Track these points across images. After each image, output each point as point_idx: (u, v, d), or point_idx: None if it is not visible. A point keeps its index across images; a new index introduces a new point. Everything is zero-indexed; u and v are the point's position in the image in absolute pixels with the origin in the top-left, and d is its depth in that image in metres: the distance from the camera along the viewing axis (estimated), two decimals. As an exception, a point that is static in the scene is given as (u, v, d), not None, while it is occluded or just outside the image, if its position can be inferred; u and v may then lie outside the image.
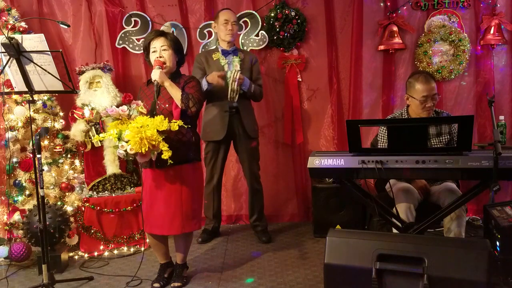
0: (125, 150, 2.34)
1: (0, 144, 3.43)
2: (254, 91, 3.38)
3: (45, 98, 3.50)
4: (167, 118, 2.44)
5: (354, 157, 2.32)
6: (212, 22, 3.80)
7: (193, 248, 3.44)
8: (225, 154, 3.53)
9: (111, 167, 3.49)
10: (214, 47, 3.62)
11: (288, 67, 3.96)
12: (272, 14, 3.84)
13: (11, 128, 3.35)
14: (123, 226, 3.49)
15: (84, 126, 3.42)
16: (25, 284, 2.94)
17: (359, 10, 3.88)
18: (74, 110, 3.49)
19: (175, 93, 2.59)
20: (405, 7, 3.90)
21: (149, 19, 3.92)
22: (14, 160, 3.36)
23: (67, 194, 3.51)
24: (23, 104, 3.38)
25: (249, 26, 3.91)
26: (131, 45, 3.91)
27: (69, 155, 3.59)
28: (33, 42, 2.45)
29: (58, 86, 2.55)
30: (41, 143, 3.00)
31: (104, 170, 3.52)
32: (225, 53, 3.42)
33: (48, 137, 3.46)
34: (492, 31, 3.83)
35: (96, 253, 3.41)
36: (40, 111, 3.46)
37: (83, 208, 3.46)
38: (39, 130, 2.69)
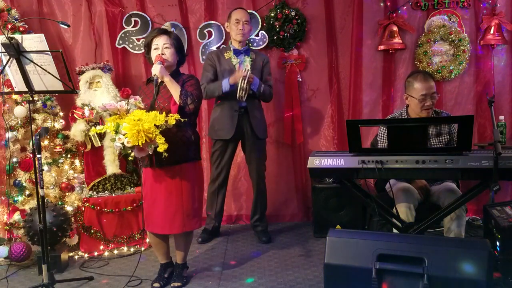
0: (122, 143, 2.34)
1: (0, 144, 3.43)
2: (263, 91, 3.37)
3: (45, 98, 3.50)
4: (164, 112, 2.44)
5: (354, 157, 2.32)
6: (212, 22, 3.82)
7: (193, 248, 3.44)
8: (232, 153, 3.53)
9: (111, 167, 3.49)
10: (215, 46, 3.62)
11: (288, 67, 3.96)
12: (272, 14, 3.84)
13: (11, 128, 3.35)
14: (123, 226, 3.49)
15: (84, 126, 3.42)
16: (25, 284, 2.94)
17: (359, 10, 3.88)
18: (74, 110, 3.49)
19: (174, 89, 2.59)
20: (405, 7, 3.90)
21: (149, 19, 3.92)
22: (14, 160, 3.36)
23: (67, 194, 3.51)
24: (23, 104, 3.37)
25: (249, 26, 3.91)
26: (131, 45, 3.91)
27: (69, 155, 3.59)
28: (33, 42, 2.45)
29: (58, 86, 2.55)
30: (41, 143, 2.99)
31: (104, 170, 3.51)
32: (237, 52, 3.43)
33: (48, 137, 3.46)
34: (492, 31, 3.83)
35: (96, 253, 3.41)
36: (40, 111, 3.46)
37: (83, 208, 3.46)
38: (39, 130, 2.68)
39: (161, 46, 2.65)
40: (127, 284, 2.86)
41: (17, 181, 3.37)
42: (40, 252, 2.63)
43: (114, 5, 3.89)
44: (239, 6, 3.78)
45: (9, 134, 3.32)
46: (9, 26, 3.32)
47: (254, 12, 3.89)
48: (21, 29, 3.44)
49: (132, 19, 3.90)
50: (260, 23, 3.90)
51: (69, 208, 3.38)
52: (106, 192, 3.54)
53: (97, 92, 3.51)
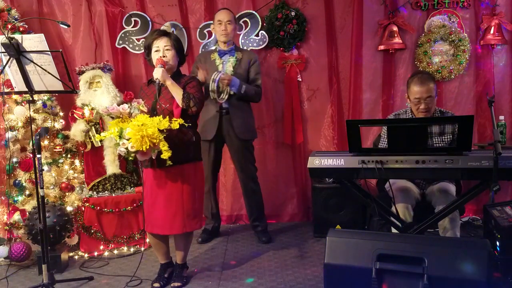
0: (126, 148, 2.35)
1: (0, 144, 3.43)
2: (246, 91, 3.33)
3: (45, 98, 3.50)
4: (167, 117, 2.45)
5: (354, 157, 2.32)
6: (212, 22, 3.81)
7: (193, 248, 3.44)
8: (216, 153, 3.51)
9: (111, 167, 3.49)
10: (214, 47, 3.63)
11: (288, 67, 3.96)
12: (272, 14, 3.84)
13: (11, 128, 3.35)
14: (123, 226, 3.49)
15: (84, 126, 3.42)
16: (25, 284, 2.94)
17: (359, 10, 3.88)
18: (74, 110, 3.49)
19: (177, 92, 2.59)
20: (405, 7, 3.89)
21: (149, 19, 3.92)
22: (14, 160, 3.36)
23: (67, 194, 3.51)
24: (23, 104, 3.37)
25: (249, 26, 3.91)
26: (131, 45, 3.91)
27: (69, 155, 3.59)
28: (33, 42, 2.45)
29: (58, 86, 2.55)
30: (41, 143, 2.99)
31: (104, 170, 3.52)
32: (221, 53, 3.42)
33: (48, 137, 3.46)
34: (492, 31, 3.82)
35: (96, 253, 3.41)
36: (40, 111, 3.46)
37: (83, 208, 3.46)
38: (39, 130, 2.69)
39: (162, 48, 2.65)
40: (127, 284, 2.86)
41: (17, 181, 3.37)
42: (40, 252, 2.63)
43: (114, 5, 3.89)
44: (235, 7, 3.80)
45: (9, 134, 3.32)
46: (9, 26, 3.32)
47: (254, 12, 3.89)
48: (21, 29, 3.44)
49: (132, 19, 3.90)
50: (260, 23, 3.89)
51: (69, 208, 3.37)
52: (106, 192, 3.54)
53: (97, 92, 3.51)
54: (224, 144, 3.53)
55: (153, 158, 2.45)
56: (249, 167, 3.52)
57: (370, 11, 3.90)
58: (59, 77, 2.52)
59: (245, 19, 3.90)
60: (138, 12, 3.90)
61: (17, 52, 2.42)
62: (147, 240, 3.49)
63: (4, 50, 2.42)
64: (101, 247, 3.44)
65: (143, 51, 2.83)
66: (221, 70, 3.34)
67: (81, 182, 3.59)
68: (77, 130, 3.43)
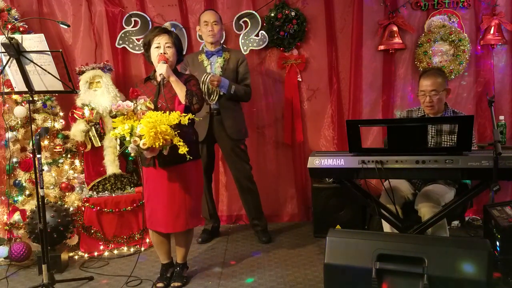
0: (138, 145, 2.34)
1: (0, 144, 3.43)
2: (235, 92, 3.32)
3: (45, 98, 3.50)
4: (178, 112, 2.44)
5: (354, 157, 2.32)
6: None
7: (193, 248, 3.44)
8: (209, 155, 3.51)
9: (111, 167, 3.49)
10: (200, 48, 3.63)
11: (288, 67, 3.96)
12: (272, 14, 3.84)
13: (11, 128, 3.35)
14: (123, 226, 3.49)
15: (84, 126, 3.42)
16: (25, 284, 2.94)
17: (359, 10, 3.88)
18: (74, 110, 3.49)
19: (180, 89, 2.59)
20: (405, 7, 3.89)
21: (149, 19, 3.92)
22: (14, 160, 3.36)
23: (67, 194, 3.51)
24: (23, 104, 3.37)
25: (249, 26, 3.91)
26: (131, 45, 3.91)
27: (69, 155, 3.59)
28: (33, 42, 2.45)
29: (58, 86, 2.55)
30: (41, 143, 2.99)
31: (104, 170, 3.52)
32: (208, 54, 3.41)
33: (48, 137, 3.46)
34: (492, 31, 3.82)
35: (96, 253, 3.41)
36: (40, 111, 3.46)
37: (83, 208, 3.46)
38: (39, 130, 2.68)
39: (163, 45, 2.65)
40: (126, 284, 2.86)
41: (17, 181, 3.37)
42: (40, 252, 2.63)
43: (114, 5, 3.89)
44: (235, 7, 3.80)
45: (9, 134, 3.32)
46: (9, 26, 3.32)
47: (254, 12, 3.89)
48: (21, 29, 3.44)
49: (132, 19, 3.90)
50: (260, 23, 3.89)
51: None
52: (106, 192, 3.54)
53: (97, 92, 3.50)
54: (215, 144, 3.53)
55: (165, 154, 2.44)
56: (244, 166, 3.52)
57: (370, 11, 3.90)
58: (59, 77, 2.52)
59: (245, 19, 3.90)
60: (138, 12, 3.90)
61: (17, 52, 2.42)
62: (147, 240, 3.50)
63: (4, 50, 2.42)
64: (101, 247, 3.44)
65: (143, 51, 2.82)
66: (210, 71, 3.34)
67: (81, 182, 3.59)
68: (77, 130, 3.43)
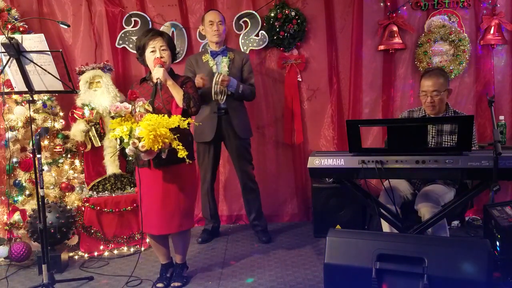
0: (136, 147, 2.33)
1: (0, 144, 3.43)
2: (243, 91, 3.34)
3: (45, 98, 3.50)
4: (179, 116, 2.44)
5: (354, 157, 2.32)
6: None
7: (193, 248, 3.44)
8: (215, 155, 3.52)
9: (111, 167, 3.49)
10: (202, 49, 3.63)
11: (288, 67, 3.96)
12: (272, 14, 3.84)
13: (11, 128, 3.35)
14: (123, 226, 3.49)
15: (84, 126, 3.42)
16: (25, 284, 2.94)
17: (359, 10, 3.88)
18: (74, 110, 3.49)
19: (177, 92, 2.59)
20: (405, 7, 3.89)
21: (149, 19, 3.92)
22: (14, 160, 3.36)
23: (67, 194, 3.51)
24: (23, 104, 3.37)
25: (249, 26, 3.91)
26: (131, 45, 3.91)
27: (69, 155, 3.59)
28: (33, 42, 2.45)
29: (58, 86, 2.55)
30: (41, 143, 2.99)
31: (104, 170, 3.52)
32: (213, 54, 3.42)
33: (48, 137, 3.46)
34: (492, 31, 3.82)
35: (96, 253, 3.41)
36: (40, 111, 3.46)
37: (83, 208, 3.46)
38: (39, 130, 2.68)
39: (158, 49, 2.64)
40: (126, 284, 2.86)
41: (17, 181, 3.37)
42: (40, 252, 2.63)
43: (114, 5, 3.89)
44: (235, 7, 3.80)
45: (9, 134, 3.32)
46: (9, 26, 3.32)
47: (254, 12, 3.89)
48: (21, 29, 3.44)
49: (132, 19, 3.90)
50: (260, 23, 3.89)
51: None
52: (106, 192, 3.54)
53: (97, 92, 3.50)
54: (221, 144, 3.54)
55: (163, 157, 2.44)
56: (247, 166, 3.53)
57: (370, 11, 3.90)
58: (59, 77, 2.52)
59: (245, 19, 3.90)
60: (138, 12, 3.90)
61: (17, 52, 2.42)
62: (147, 240, 3.50)
63: (4, 50, 2.42)
64: (101, 247, 3.44)
65: (136, 49, 2.79)
66: (216, 71, 3.34)
67: (81, 182, 3.59)
68: (77, 130, 3.43)
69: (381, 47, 3.91)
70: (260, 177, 3.86)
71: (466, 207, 2.91)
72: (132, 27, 3.91)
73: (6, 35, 2.39)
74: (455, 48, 3.82)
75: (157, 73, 2.56)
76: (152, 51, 2.65)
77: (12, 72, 2.54)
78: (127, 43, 3.91)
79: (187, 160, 2.38)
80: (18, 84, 2.57)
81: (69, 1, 3.89)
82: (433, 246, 1.94)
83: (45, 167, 3.40)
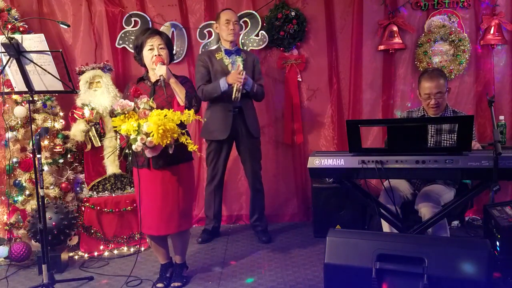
0: (144, 143, 2.33)
1: (0, 144, 3.43)
2: (256, 90, 3.39)
3: (45, 98, 3.49)
4: (185, 111, 2.44)
5: (354, 157, 2.32)
6: (212, 22, 3.81)
7: (193, 248, 3.44)
8: (227, 153, 3.52)
9: (111, 167, 3.49)
10: (214, 47, 3.63)
11: (288, 67, 3.96)
12: (272, 14, 3.84)
13: (11, 128, 3.35)
14: (123, 226, 3.49)
15: (84, 126, 3.42)
16: (25, 284, 2.94)
17: (359, 10, 3.88)
18: (74, 110, 3.49)
19: (180, 90, 2.58)
20: (405, 7, 3.89)
21: (149, 19, 3.92)
22: (14, 160, 3.36)
23: (67, 194, 3.51)
24: (23, 104, 3.37)
25: (249, 26, 3.91)
26: (131, 45, 3.91)
27: (69, 155, 3.59)
28: (33, 42, 2.45)
29: (58, 86, 2.55)
30: (41, 143, 2.99)
31: (104, 170, 3.52)
32: (228, 52, 3.43)
33: (48, 137, 3.46)
34: (492, 31, 3.82)
35: (96, 253, 3.41)
36: (40, 111, 3.46)
37: (83, 208, 3.46)
38: (39, 130, 2.68)
39: (156, 47, 2.64)
40: (126, 284, 2.86)
41: (17, 181, 3.37)
42: (40, 252, 2.63)
43: (114, 5, 3.89)
44: (235, 7, 3.80)
45: (9, 134, 3.32)
46: (9, 26, 3.32)
47: (254, 12, 3.89)
48: (21, 29, 3.44)
49: (132, 19, 3.90)
50: (260, 23, 3.89)
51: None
52: (106, 192, 3.54)
53: (97, 92, 3.50)
54: (233, 143, 3.54)
55: (170, 153, 2.43)
56: (257, 166, 3.56)
57: (370, 11, 3.90)
58: (59, 77, 2.52)
59: (245, 19, 3.90)
60: (138, 12, 3.90)
61: (17, 52, 2.42)
62: (147, 240, 3.49)
63: (4, 50, 2.42)
64: (101, 247, 3.44)
65: (134, 48, 2.78)
66: (231, 69, 3.35)
67: (81, 182, 3.59)
68: (77, 130, 3.43)
69: (381, 47, 3.91)
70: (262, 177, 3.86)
71: (466, 207, 2.91)
72: (132, 27, 3.91)
73: (6, 35, 2.39)
74: (455, 48, 3.82)
75: (160, 70, 2.55)
76: (150, 49, 2.65)
77: (12, 72, 2.54)
78: (127, 43, 3.91)
79: (199, 154, 2.40)
80: (18, 84, 2.57)
81: (69, 1, 3.89)
82: (433, 246, 1.94)
83: (45, 167, 3.39)
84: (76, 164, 3.62)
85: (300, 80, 4.00)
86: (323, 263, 2.10)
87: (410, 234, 2.42)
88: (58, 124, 3.54)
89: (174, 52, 3.60)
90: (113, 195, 3.52)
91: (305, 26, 3.90)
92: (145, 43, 2.66)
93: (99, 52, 3.95)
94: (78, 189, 3.58)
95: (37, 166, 2.55)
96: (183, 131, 2.42)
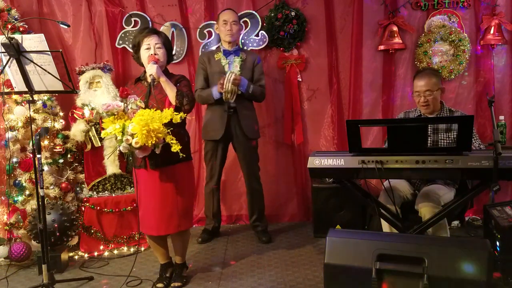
0: (130, 144, 2.32)
1: (0, 144, 3.43)
2: (253, 92, 3.37)
3: (45, 98, 3.49)
4: (171, 109, 2.43)
5: (354, 157, 2.32)
6: (213, 22, 3.82)
7: (193, 248, 3.44)
8: (223, 153, 3.53)
9: (111, 167, 3.49)
10: (215, 47, 3.64)
11: (288, 67, 3.95)
12: (272, 14, 3.84)
13: (11, 128, 3.35)
14: (123, 226, 3.49)
15: (84, 126, 3.42)
16: (25, 284, 2.94)
17: (359, 10, 3.88)
18: (74, 110, 3.49)
19: (171, 89, 2.58)
20: (405, 7, 3.89)
21: (149, 19, 3.91)
22: (14, 160, 3.36)
23: (67, 194, 3.50)
24: (23, 104, 3.37)
25: (249, 26, 3.91)
26: (131, 45, 3.90)
27: (69, 155, 3.59)
28: (33, 42, 2.45)
29: (58, 86, 2.55)
30: (41, 143, 2.99)
31: (104, 170, 3.52)
32: (226, 53, 3.43)
33: (48, 137, 3.46)
34: (492, 31, 3.82)
35: (96, 253, 3.41)
36: (40, 111, 3.46)
37: (83, 208, 3.46)
38: (39, 130, 2.68)
39: (153, 46, 2.63)
40: (126, 284, 2.86)
41: (17, 181, 3.37)
42: (40, 252, 2.63)
43: (114, 5, 3.89)
44: (235, 7, 3.79)
45: (9, 134, 3.32)
46: (9, 26, 3.32)
47: (254, 12, 3.89)
48: (21, 29, 3.44)
49: (132, 19, 3.89)
50: (260, 23, 3.89)
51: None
52: (106, 192, 3.54)
53: (97, 92, 3.51)
54: (229, 143, 3.54)
55: (157, 153, 2.43)
56: (254, 166, 3.55)
57: (370, 11, 3.90)
58: (59, 77, 2.51)
59: (245, 19, 3.90)
60: (138, 12, 3.89)
61: (17, 52, 2.42)
62: (147, 240, 3.49)
63: (4, 50, 2.42)
64: (101, 247, 3.44)
65: (132, 47, 2.78)
66: (228, 70, 3.36)
67: (81, 182, 3.59)
68: (77, 130, 3.43)
69: (381, 47, 3.91)
70: (261, 177, 3.85)
71: (466, 207, 2.91)
72: (132, 27, 3.91)
73: (6, 35, 2.39)
74: (455, 48, 3.82)
75: (150, 70, 2.54)
76: (147, 49, 2.64)
77: (12, 72, 2.54)
78: (127, 43, 3.91)
79: (181, 154, 2.36)
80: (18, 84, 2.57)
81: (69, 1, 3.89)
82: (433, 246, 1.94)
83: (45, 167, 3.39)
84: (76, 164, 3.63)
85: (300, 80, 4.00)
86: (323, 263, 2.11)
87: (410, 234, 2.42)
88: (58, 124, 3.54)
89: (174, 52, 3.62)
90: (113, 195, 3.52)
91: (305, 26, 3.90)
92: (142, 42, 2.65)
93: (99, 52, 3.95)
94: (78, 189, 3.58)
95: (37, 166, 2.55)
96: (168, 130, 2.38)
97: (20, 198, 3.37)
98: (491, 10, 3.85)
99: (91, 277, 2.99)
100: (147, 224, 2.69)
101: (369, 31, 3.93)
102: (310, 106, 4.05)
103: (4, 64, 2.53)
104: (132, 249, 3.48)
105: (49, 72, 2.48)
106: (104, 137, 3.19)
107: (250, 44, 3.92)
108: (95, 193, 3.52)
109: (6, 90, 3.22)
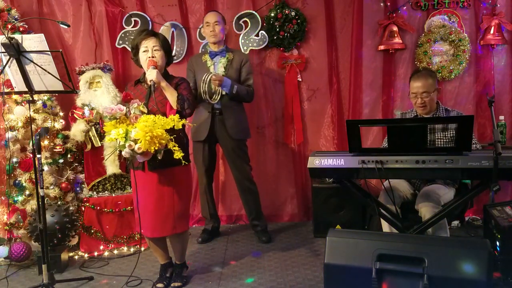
0: (132, 149, 2.33)
1: (0, 144, 3.43)
2: (238, 92, 3.34)
3: (45, 98, 3.49)
4: (173, 116, 2.42)
5: (354, 157, 2.32)
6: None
7: (193, 248, 3.44)
8: (210, 154, 3.52)
9: (111, 167, 3.49)
10: (203, 49, 3.65)
11: (288, 67, 3.96)
12: (272, 14, 3.84)
13: (11, 128, 3.35)
14: (123, 226, 3.49)
15: (84, 126, 3.42)
16: (25, 284, 2.94)
17: (359, 10, 3.88)
18: (74, 110, 3.49)
19: (171, 94, 2.57)
20: (405, 7, 3.89)
21: (149, 19, 3.92)
22: (14, 160, 3.36)
23: (67, 194, 3.50)
24: (23, 104, 3.37)
25: (249, 26, 3.91)
26: (130, 47, 3.91)
27: (69, 155, 3.59)
28: (33, 42, 2.44)
29: (58, 86, 2.55)
30: (41, 143, 2.99)
31: (104, 170, 3.52)
32: (212, 54, 3.44)
33: (48, 137, 3.46)
34: (492, 31, 3.83)
35: (96, 253, 3.41)
36: (40, 111, 3.46)
37: (83, 208, 3.46)
38: (39, 130, 2.68)
39: (150, 48, 2.61)
40: (126, 284, 2.86)
41: (17, 181, 3.37)
42: (40, 252, 2.63)
43: (114, 5, 3.89)
44: (236, 7, 3.81)
45: (9, 134, 3.32)
46: (9, 26, 3.32)
47: (254, 12, 3.89)
48: (21, 29, 3.44)
49: (132, 19, 3.90)
50: (260, 23, 3.89)
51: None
52: (106, 192, 3.54)
53: (97, 92, 3.51)
54: (216, 144, 3.55)
55: (160, 158, 2.43)
56: (244, 166, 3.53)
57: (370, 11, 3.90)
58: (59, 77, 2.51)
59: (245, 19, 3.90)
60: (138, 12, 3.90)
61: (17, 52, 2.42)
62: (147, 240, 3.49)
63: (4, 50, 2.42)
64: (101, 247, 3.44)
65: (131, 49, 2.78)
66: (213, 71, 3.36)
67: (81, 182, 3.59)
68: (77, 130, 3.43)
69: (381, 47, 3.91)
70: (260, 177, 3.86)
71: (466, 207, 2.91)
72: (132, 27, 3.91)
73: (6, 35, 2.39)
74: (455, 48, 3.82)
75: (151, 75, 2.53)
76: (145, 51, 2.63)
77: (12, 72, 2.54)
78: (127, 43, 3.91)
79: (183, 162, 2.37)
80: (18, 84, 2.57)
81: (69, 1, 3.89)
82: (433, 246, 1.94)
83: (45, 167, 3.39)
84: (76, 164, 3.63)
85: (300, 80, 4.00)
86: (323, 263, 2.11)
87: (410, 234, 2.42)
88: (58, 124, 3.54)
89: (174, 52, 3.62)
90: (113, 195, 3.52)
91: (305, 26, 3.90)
92: (140, 45, 2.64)
93: (99, 52, 3.95)
94: (78, 189, 3.58)
95: (37, 166, 2.55)
96: (171, 137, 2.37)
97: (20, 198, 3.37)
98: (491, 10, 3.85)
99: (91, 277, 2.99)
100: (144, 226, 2.68)
101: (369, 31, 3.93)
102: (310, 106, 4.05)
103: (4, 64, 2.53)
104: (132, 249, 3.48)
105: (49, 72, 2.48)
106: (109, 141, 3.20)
107: (250, 44, 3.92)
108: (95, 193, 3.52)
109: (6, 90, 3.22)
